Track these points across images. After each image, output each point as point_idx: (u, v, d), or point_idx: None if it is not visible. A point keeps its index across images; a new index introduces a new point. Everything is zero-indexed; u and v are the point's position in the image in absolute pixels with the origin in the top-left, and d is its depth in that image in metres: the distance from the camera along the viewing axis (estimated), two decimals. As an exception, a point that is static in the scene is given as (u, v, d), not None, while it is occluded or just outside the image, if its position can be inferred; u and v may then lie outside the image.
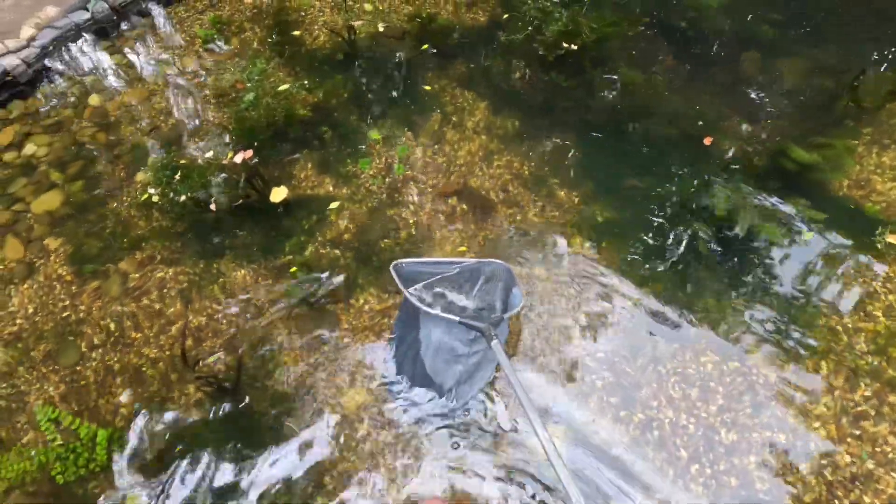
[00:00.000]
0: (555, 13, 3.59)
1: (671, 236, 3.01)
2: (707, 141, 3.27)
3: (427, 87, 3.66)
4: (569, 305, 2.82)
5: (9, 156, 3.50)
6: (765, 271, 2.88)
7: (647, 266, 2.93)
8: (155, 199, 2.98)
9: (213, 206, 2.93)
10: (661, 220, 3.09)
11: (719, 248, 2.93)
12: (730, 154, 3.30)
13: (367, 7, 4.15)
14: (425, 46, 3.79)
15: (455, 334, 2.52)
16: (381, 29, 3.79)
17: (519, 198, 3.27)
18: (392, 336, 2.74)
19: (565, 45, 3.43)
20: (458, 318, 2.37)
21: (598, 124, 3.51)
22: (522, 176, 3.39)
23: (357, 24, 3.72)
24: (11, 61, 3.76)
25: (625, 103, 3.57)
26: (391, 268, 2.55)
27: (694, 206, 3.11)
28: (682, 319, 2.75)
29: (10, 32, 3.99)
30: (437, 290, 2.60)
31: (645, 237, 3.05)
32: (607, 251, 3.01)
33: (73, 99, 3.77)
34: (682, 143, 3.39)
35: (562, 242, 3.07)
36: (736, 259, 2.90)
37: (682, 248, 2.94)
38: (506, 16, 3.89)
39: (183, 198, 2.87)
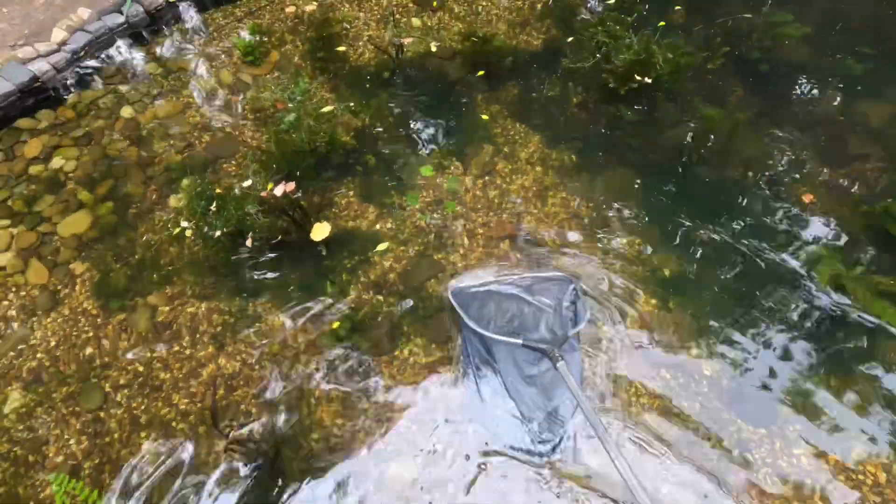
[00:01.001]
0: (625, 38, 3.30)
1: (754, 299, 2.74)
2: (807, 198, 2.95)
3: (483, 116, 3.40)
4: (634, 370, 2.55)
5: (35, 168, 3.30)
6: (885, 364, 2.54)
7: (722, 336, 2.66)
8: (188, 233, 2.77)
9: (248, 243, 2.71)
10: (739, 281, 2.80)
11: (816, 326, 2.62)
12: (816, 206, 3.01)
13: (415, 23, 3.89)
14: (481, 73, 3.52)
15: (522, 356, 2.41)
16: (432, 49, 3.53)
17: (576, 243, 3.02)
18: (463, 363, 2.54)
19: (638, 77, 3.14)
20: (520, 341, 2.28)
21: (667, 164, 3.24)
22: (579, 216, 3.13)
23: (406, 41, 3.46)
24: (41, 66, 3.56)
25: (697, 142, 3.28)
26: (449, 293, 2.46)
27: (779, 263, 2.82)
28: (767, 399, 2.48)
29: (41, 34, 3.79)
30: (498, 309, 2.50)
31: (720, 300, 2.77)
32: (677, 313, 2.75)
33: (104, 109, 3.56)
34: (758, 190, 3.11)
35: (622, 298, 2.82)
36: (841, 337, 2.60)
37: (766, 317, 2.68)
38: (570, 39, 3.60)
39: (218, 233, 2.65)
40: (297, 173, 3.03)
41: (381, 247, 2.88)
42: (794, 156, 3.19)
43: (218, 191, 2.82)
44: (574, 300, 2.54)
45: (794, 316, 2.70)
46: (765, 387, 2.52)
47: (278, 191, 2.72)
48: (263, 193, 2.72)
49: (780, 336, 2.66)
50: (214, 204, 2.72)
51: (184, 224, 2.73)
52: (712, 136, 3.22)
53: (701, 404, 2.48)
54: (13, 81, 3.43)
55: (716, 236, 2.94)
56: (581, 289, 2.56)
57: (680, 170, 3.18)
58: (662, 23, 3.47)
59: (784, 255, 2.86)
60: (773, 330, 2.68)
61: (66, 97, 3.58)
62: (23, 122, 3.46)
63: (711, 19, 3.72)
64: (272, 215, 2.81)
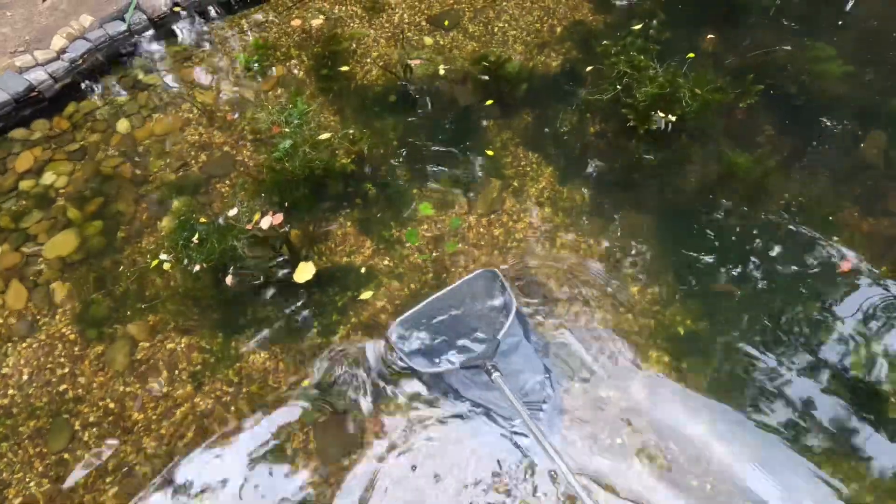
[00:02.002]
0: (649, 69, 3.04)
1: (779, 371, 2.49)
2: (845, 267, 2.67)
3: (489, 151, 3.19)
4: (626, 446, 2.33)
5: (26, 184, 3.19)
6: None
7: (737, 415, 2.40)
8: (167, 266, 2.61)
9: (228, 281, 2.54)
10: (762, 347, 2.55)
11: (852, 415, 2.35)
12: (852, 273, 2.72)
13: (427, 41, 3.69)
14: (490, 102, 3.31)
15: (469, 372, 2.39)
16: (441, 72, 3.33)
17: (584, 290, 2.80)
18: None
19: (661, 114, 2.90)
20: (456, 365, 2.29)
21: (688, 210, 2.98)
22: (591, 259, 2.91)
23: (415, 63, 3.26)
24: (38, 76, 3.45)
25: (722, 187, 3.02)
26: (389, 338, 2.44)
27: (807, 336, 2.56)
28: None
29: (42, 41, 3.69)
30: (438, 330, 2.49)
31: (741, 365, 2.53)
32: (691, 376, 2.52)
33: (101, 121, 3.44)
34: (788, 246, 2.84)
35: (631, 355, 2.59)
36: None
37: (793, 395, 2.42)
38: (589, 68, 3.36)
39: (197, 268, 2.49)
40: (287, 204, 2.85)
41: (367, 294, 2.68)
42: (828, 209, 2.91)
43: (202, 220, 2.66)
44: (501, 292, 2.53)
45: (820, 404, 2.43)
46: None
47: (265, 223, 2.56)
48: (248, 226, 2.56)
49: (800, 424, 2.40)
50: (196, 236, 2.57)
51: (162, 257, 2.58)
52: (739, 184, 2.95)
53: (711, 486, 2.26)
54: (8, 91, 3.33)
55: (739, 292, 2.69)
56: (502, 278, 2.52)
57: (702, 217, 2.93)
58: (692, 54, 3.20)
59: (815, 326, 2.60)
60: (791, 412, 2.42)
61: (62, 107, 3.48)
62: (16, 133, 3.36)
63: (746, 50, 3.43)
64: (258, 249, 2.65)
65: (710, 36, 3.42)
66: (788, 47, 3.35)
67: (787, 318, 2.61)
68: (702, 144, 3.05)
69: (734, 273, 2.78)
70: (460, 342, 2.47)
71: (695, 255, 2.85)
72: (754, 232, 2.87)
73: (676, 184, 3.03)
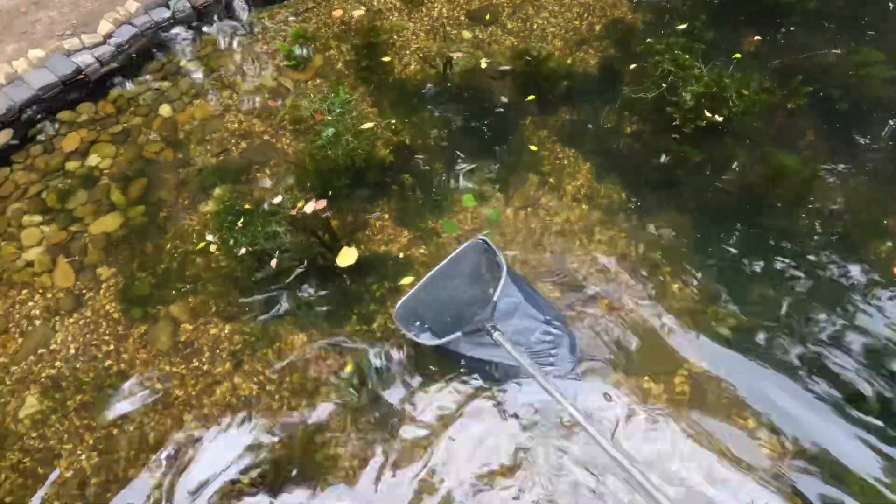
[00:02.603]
0: (694, 69, 3.03)
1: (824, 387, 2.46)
2: None
3: (532, 146, 3.20)
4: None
5: (72, 164, 3.26)
6: None
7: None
8: (213, 248, 2.66)
9: (273, 264, 2.59)
10: (800, 360, 2.53)
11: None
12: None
13: (466, 35, 3.70)
14: (531, 97, 3.31)
15: (476, 338, 2.45)
16: (483, 65, 3.34)
17: (622, 287, 2.80)
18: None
19: (708, 114, 2.87)
20: (459, 334, 2.35)
21: (729, 211, 2.97)
22: (628, 258, 2.91)
23: (457, 56, 3.28)
24: (85, 59, 3.52)
25: (767, 190, 3.00)
26: (395, 318, 2.48)
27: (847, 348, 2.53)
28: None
29: (88, 25, 3.76)
30: (439, 304, 2.57)
31: (778, 368, 2.51)
32: (725, 381, 2.51)
33: (143, 105, 3.50)
34: (833, 251, 2.81)
35: (672, 355, 2.60)
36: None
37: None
38: (633, 66, 3.34)
39: (243, 251, 2.54)
40: (330, 192, 2.89)
41: (406, 280, 2.72)
42: (879, 213, 2.88)
43: (246, 206, 2.71)
44: (492, 258, 2.57)
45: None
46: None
47: (308, 208, 2.60)
48: (293, 211, 2.60)
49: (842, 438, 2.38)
50: (241, 220, 2.61)
51: (209, 238, 2.63)
52: (785, 186, 2.93)
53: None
54: (56, 73, 3.40)
55: (776, 295, 2.68)
56: (492, 245, 2.54)
57: (744, 219, 2.91)
58: (738, 55, 3.18)
59: (856, 342, 2.57)
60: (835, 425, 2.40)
61: (106, 91, 3.54)
62: (63, 115, 3.43)
63: (790, 51, 3.40)
64: (301, 235, 2.68)
65: (755, 38, 3.39)
66: (837, 50, 3.31)
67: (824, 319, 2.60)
68: (747, 145, 3.03)
69: (775, 277, 2.76)
70: (461, 312, 2.60)
71: (736, 256, 2.84)
72: (798, 235, 2.85)
73: (721, 184, 3.01)
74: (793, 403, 2.42)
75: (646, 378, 2.51)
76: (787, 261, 2.81)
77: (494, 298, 2.38)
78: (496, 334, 2.36)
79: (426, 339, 2.48)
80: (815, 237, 2.83)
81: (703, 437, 2.35)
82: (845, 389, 2.44)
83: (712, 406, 2.43)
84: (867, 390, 2.44)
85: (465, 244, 2.61)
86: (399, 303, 2.53)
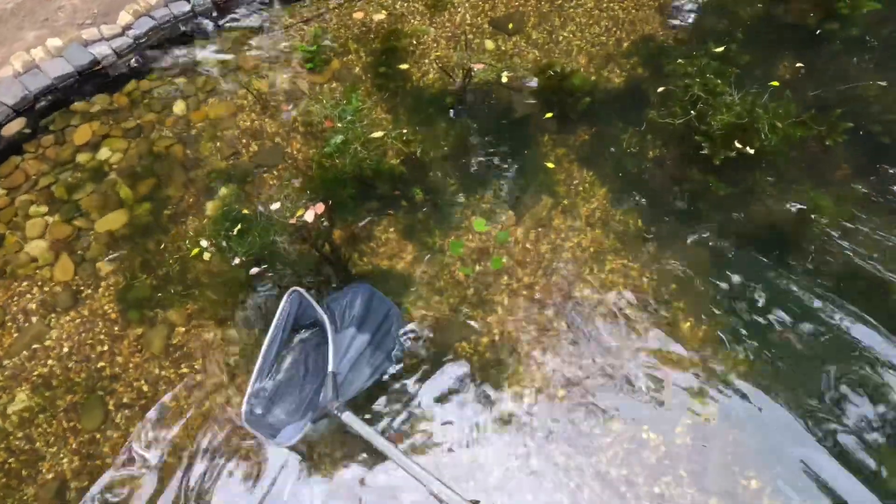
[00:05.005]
0: (725, 95, 2.86)
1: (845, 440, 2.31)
2: None
3: (548, 164, 3.07)
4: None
5: (83, 157, 3.24)
6: None
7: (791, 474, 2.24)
8: (206, 256, 2.60)
9: (253, 271, 2.50)
10: (823, 410, 2.37)
11: None
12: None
13: (489, 45, 3.58)
14: (549, 115, 3.18)
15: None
16: (504, 79, 3.21)
17: (632, 322, 2.67)
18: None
19: (738, 145, 2.71)
20: (306, 423, 2.12)
21: (753, 250, 2.80)
22: (640, 289, 2.78)
23: (478, 67, 3.16)
24: (102, 50, 3.50)
25: (796, 229, 2.83)
26: (245, 423, 2.18)
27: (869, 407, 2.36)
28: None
29: (108, 15, 3.75)
30: (282, 390, 2.33)
31: (791, 426, 2.36)
32: (737, 432, 2.37)
33: (157, 100, 3.47)
34: (863, 296, 2.63)
35: (677, 401, 2.46)
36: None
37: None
38: (661, 89, 3.18)
39: (237, 260, 2.47)
40: (329, 202, 2.79)
41: (407, 299, 2.62)
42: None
43: (245, 211, 2.64)
44: (313, 314, 2.37)
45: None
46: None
47: (308, 216, 2.51)
48: (292, 220, 2.52)
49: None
50: (238, 227, 2.54)
51: (203, 244, 2.57)
52: (817, 226, 2.74)
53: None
54: (73, 63, 3.39)
55: (801, 346, 2.52)
56: (307, 296, 2.34)
57: (769, 259, 2.74)
58: (775, 82, 2.99)
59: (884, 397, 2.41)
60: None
61: (122, 84, 3.52)
62: (77, 106, 3.41)
63: (832, 82, 3.19)
64: (300, 244, 2.61)
65: (797, 64, 3.19)
66: (884, 83, 3.09)
67: (841, 376, 2.43)
68: (778, 180, 2.84)
69: (797, 317, 2.60)
70: (305, 394, 2.31)
71: (756, 294, 2.68)
72: (828, 281, 2.67)
73: (746, 220, 2.84)
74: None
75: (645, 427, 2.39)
76: (813, 307, 2.64)
77: (330, 369, 2.12)
78: (344, 416, 2.06)
79: (285, 438, 2.14)
80: (842, 284, 2.65)
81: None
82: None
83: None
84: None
85: (282, 299, 2.32)
86: (245, 397, 2.23)
